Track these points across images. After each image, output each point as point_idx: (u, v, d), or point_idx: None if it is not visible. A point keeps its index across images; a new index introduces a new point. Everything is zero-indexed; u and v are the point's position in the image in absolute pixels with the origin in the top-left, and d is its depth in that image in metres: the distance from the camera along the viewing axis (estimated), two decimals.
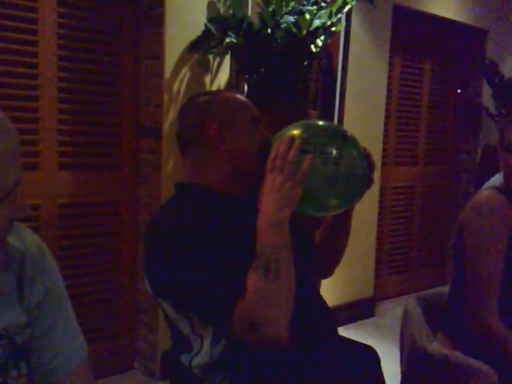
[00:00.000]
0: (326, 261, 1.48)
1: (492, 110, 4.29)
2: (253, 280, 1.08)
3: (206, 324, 1.17)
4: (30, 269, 0.89)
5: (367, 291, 3.72)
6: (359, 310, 3.63)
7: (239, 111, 1.28)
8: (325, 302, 1.38)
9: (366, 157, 1.24)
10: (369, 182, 1.25)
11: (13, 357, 0.86)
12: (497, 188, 1.52)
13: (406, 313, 1.62)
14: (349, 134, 1.24)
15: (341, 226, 1.42)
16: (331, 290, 3.25)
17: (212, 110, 1.27)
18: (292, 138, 1.17)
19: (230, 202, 1.27)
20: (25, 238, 0.91)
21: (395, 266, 4.23)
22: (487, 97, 4.33)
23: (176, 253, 1.12)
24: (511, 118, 1.53)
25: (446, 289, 1.63)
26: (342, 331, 3.29)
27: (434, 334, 1.56)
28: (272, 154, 1.17)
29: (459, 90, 4.50)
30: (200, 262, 1.11)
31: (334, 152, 1.16)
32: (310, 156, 1.15)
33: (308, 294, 1.29)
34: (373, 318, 3.69)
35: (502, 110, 4.23)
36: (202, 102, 1.30)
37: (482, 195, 1.52)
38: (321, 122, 1.26)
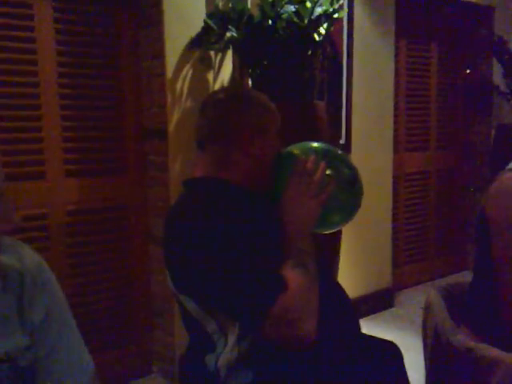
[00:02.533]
0: None
1: (503, 88, 4.19)
2: (294, 276, 1.09)
3: (235, 320, 1.14)
4: (30, 287, 0.86)
5: (385, 282, 3.65)
6: (378, 301, 3.57)
7: (273, 120, 1.29)
8: (349, 300, 1.35)
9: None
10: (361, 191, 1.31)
11: (17, 381, 0.82)
12: None
13: (428, 304, 1.57)
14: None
15: None
16: (349, 282, 3.19)
17: (249, 111, 1.26)
18: (317, 160, 1.22)
19: (254, 197, 1.27)
20: (23, 257, 0.87)
21: (412, 255, 4.15)
22: (497, 75, 4.23)
23: (209, 248, 1.09)
24: None
25: (468, 278, 1.57)
26: (362, 323, 3.22)
27: (457, 326, 1.50)
28: (299, 169, 1.21)
29: (468, 70, 4.40)
30: (234, 257, 1.08)
31: (351, 180, 1.28)
32: (333, 180, 1.23)
33: (332, 295, 1.28)
34: (392, 309, 3.63)
35: None
36: (238, 99, 1.28)
37: (506, 177, 1.45)
38: (329, 147, 1.34)
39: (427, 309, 1.58)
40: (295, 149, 1.30)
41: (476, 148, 4.45)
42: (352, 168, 1.29)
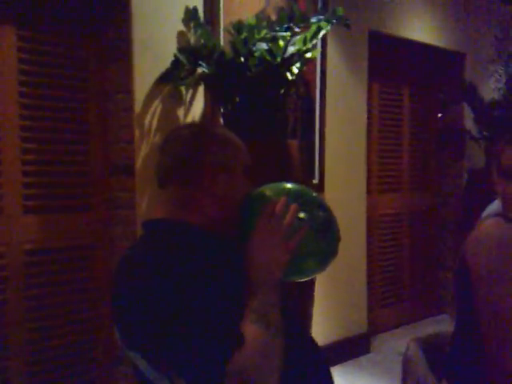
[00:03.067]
0: None
1: (474, 132, 4.24)
2: (253, 331, 0.99)
3: (187, 380, 1.01)
4: None
5: (360, 326, 3.55)
6: (354, 347, 3.45)
7: (239, 158, 1.19)
8: (322, 355, 1.24)
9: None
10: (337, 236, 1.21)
11: None
12: (498, 215, 1.40)
13: (408, 358, 1.48)
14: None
15: None
16: (323, 328, 3.09)
17: (212, 148, 1.16)
18: (288, 202, 1.12)
19: (217, 242, 1.16)
20: None
21: (387, 298, 4.07)
22: (469, 120, 4.28)
23: (158, 298, 0.98)
24: (506, 140, 1.41)
25: (445, 328, 1.49)
26: (338, 370, 3.13)
27: (439, 380, 1.41)
28: (267, 212, 1.10)
29: (440, 115, 4.45)
30: (188, 309, 0.97)
31: (325, 224, 1.17)
32: (306, 225, 1.12)
33: (302, 349, 1.18)
34: (369, 355, 3.52)
35: (485, 133, 4.18)
36: (201, 135, 1.19)
37: (485, 225, 1.40)
38: (302, 188, 1.25)
39: (407, 363, 1.49)
40: (267, 190, 1.20)
41: (449, 191, 4.45)
42: (327, 211, 1.19)
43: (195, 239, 1.12)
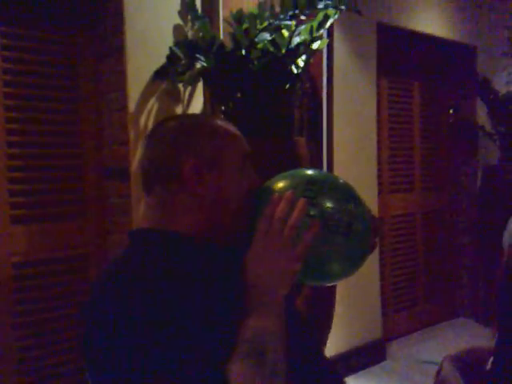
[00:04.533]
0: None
1: (488, 128, 4.05)
2: (241, 372, 0.78)
3: None
4: None
5: (375, 332, 3.37)
6: (369, 355, 3.28)
7: (227, 146, 0.97)
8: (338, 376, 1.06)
9: (371, 220, 1.00)
10: (372, 246, 1.00)
11: None
12: None
13: (442, 379, 1.30)
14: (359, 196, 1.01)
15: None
16: (336, 336, 2.91)
17: (190, 140, 0.96)
18: (294, 195, 0.89)
19: (211, 253, 0.96)
20: None
21: (401, 302, 3.89)
22: (481, 115, 4.10)
23: (129, 332, 0.80)
24: None
25: (480, 344, 1.32)
26: (353, 380, 2.96)
27: None
28: (267, 212, 0.88)
29: (451, 110, 4.27)
30: (161, 347, 0.78)
31: (345, 219, 0.93)
32: (317, 224, 0.89)
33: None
34: (384, 363, 3.33)
35: (500, 128, 4.00)
36: (178, 128, 0.99)
37: None
38: (324, 174, 1.04)
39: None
40: (280, 181, 0.97)
41: (463, 189, 4.27)
42: (356, 204, 0.96)
43: (180, 254, 0.93)
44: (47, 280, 2.20)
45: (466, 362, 1.34)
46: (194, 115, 1.60)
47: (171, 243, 0.94)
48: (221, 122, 1.02)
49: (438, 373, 1.32)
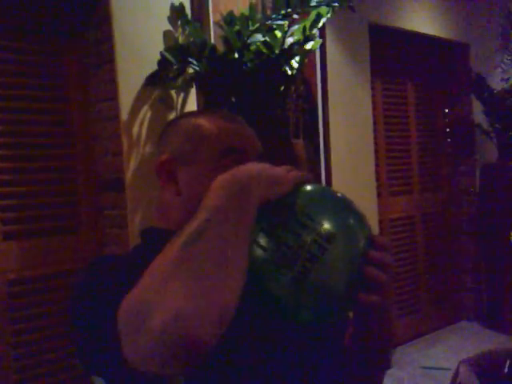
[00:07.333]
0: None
1: (485, 126, 4.01)
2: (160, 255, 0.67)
3: None
4: None
5: None
6: None
7: (203, 141, 0.92)
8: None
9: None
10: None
11: None
12: None
13: None
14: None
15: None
16: None
17: (168, 138, 0.95)
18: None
19: None
20: None
21: (403, 307, 3.80)
22: (477, 113, 4.06)
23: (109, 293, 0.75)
24: None
25: (469, 336, 1.25)
26: None
27: None
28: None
29: (447, 110, 4.23)
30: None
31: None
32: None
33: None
34: (390, 371, 3.25)
35: (497, 125, 3.96)
36: (165, 125, 1.01)
37: None
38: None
39: None
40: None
41: (462, 189, 4.22)
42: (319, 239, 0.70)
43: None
44: (43, 296, 2.13)
45: (483, 366, 1.28)
46: (194, 113, 1.53)
47: (153, 239, 0.92)
48: (204, 118, 0.96)
49: (454, 378, 1.26)
